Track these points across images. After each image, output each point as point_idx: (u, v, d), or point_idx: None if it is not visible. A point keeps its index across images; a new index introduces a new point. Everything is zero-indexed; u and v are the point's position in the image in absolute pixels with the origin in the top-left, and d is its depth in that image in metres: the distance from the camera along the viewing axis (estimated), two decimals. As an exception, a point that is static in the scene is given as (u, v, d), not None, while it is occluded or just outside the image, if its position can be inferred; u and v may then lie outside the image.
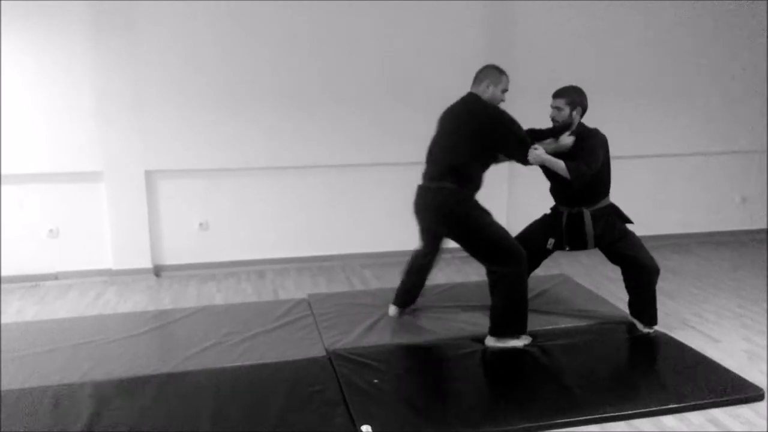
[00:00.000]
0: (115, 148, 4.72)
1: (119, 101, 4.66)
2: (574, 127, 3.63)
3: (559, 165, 3.47)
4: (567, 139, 3.57)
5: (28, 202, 4.71)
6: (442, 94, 5.16)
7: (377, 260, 5.31)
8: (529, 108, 5.38)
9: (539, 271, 5.07)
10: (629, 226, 3.73)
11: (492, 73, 3.59)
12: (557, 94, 3.66)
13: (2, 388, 3.06)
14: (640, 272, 3.67)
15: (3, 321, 4.02)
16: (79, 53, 4.57)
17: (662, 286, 4.58)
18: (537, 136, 3.72)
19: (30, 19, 4.46)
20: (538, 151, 3.45)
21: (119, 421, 2.78)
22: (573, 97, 3.62)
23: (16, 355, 3.44)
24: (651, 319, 3.72)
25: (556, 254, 3.97)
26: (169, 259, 5.03)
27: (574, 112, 3.61)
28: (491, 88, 3.55)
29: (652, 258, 3.68)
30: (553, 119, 3.68)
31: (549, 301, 4.19)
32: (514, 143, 3.49)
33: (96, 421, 2.77)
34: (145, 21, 4.62)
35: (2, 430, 2.72)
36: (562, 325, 3.82)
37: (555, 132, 3.65)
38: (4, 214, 4.67)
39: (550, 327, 3.76)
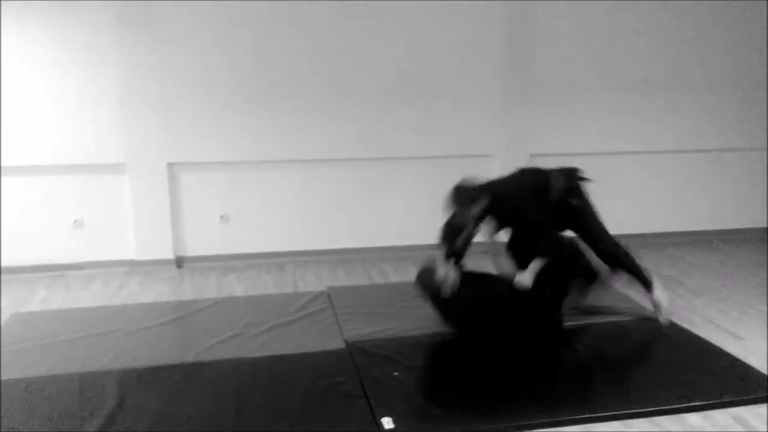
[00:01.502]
0: (139, 141, 4.78)
1: (143, 94, 4.71)
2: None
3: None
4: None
5: (54, 192, 4.79)
6: (463, 89, 5.19)
7: (397, 254, 5.31)
8: (548, 103, 5.39)
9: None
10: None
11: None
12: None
13: (29, 375, 3.12)
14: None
15: (30, 309, 4.11)
16: (104, 47, 4.62)
17: (686, 283, 4.54)
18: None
19: (55, 13, 4.52)
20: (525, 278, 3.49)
21: (143, 409, 2.82)
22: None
23: (42, 343, 3.51)
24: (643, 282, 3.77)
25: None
26: (191, 250, 5.07)
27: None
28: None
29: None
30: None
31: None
32: None
33: (120, 409, 2.81)
34: (168, 15, 4.65)
35: (27, 415, 2.78)
36: (584, 322, 3.78)
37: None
38: (30, 205, 4.75)
39: (571, 323, 3.73)
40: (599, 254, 3.71)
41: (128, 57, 4.65)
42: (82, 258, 4.90)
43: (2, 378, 3.09)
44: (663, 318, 3.71)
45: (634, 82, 5.42)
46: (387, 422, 2.65)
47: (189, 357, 3.34)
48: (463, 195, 3.50)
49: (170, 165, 4.89)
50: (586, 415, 2.77)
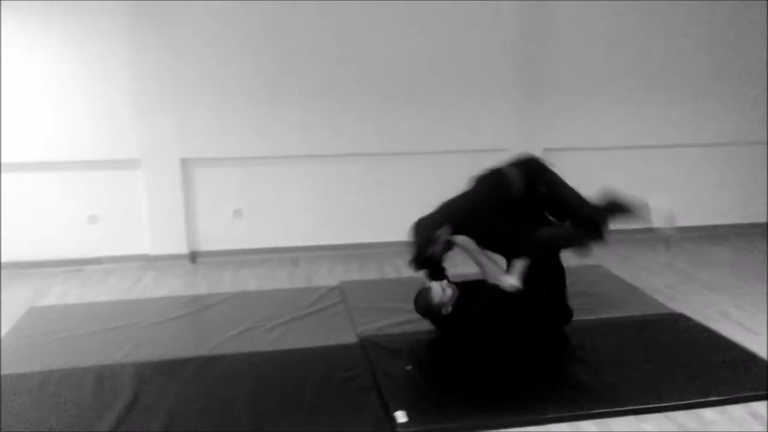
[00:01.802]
0: (153, 137, 4.81)
1: (157, 91, 4.74)
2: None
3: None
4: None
5: (70, 188, 4.84)
6: (479, 84, 5.17)
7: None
8: (562, 98, 5.36)
9: (574, 262, 5.05)
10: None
11: None
12: None
13: (47, 368, 3.16)
14: None
15: (48, 303, 4.17)
16: (117, 44, 4.65)
17: (702, 278, 4.51)
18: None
19: (68, 10, 4.55)
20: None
21: (158, 402, 2.85)
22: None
23: (60, 336, 3.55)
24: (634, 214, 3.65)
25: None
26: (205, 245, 5.11)
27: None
28: None
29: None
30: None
31: (585, 292, 4.14)
32: None
33: (136, 401, 2.85)
34: (182, 12, 4.67)
35: (47, 407, 2.82)
36: (599, 317, 3.77)
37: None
38: (46, 200, 4.80)
39: (586, 318, 3.72)
40: (583, 226, 3.60)
41: (142, 53, 4.68)
42: (98, 253, 4.95)
43: (19, 371, 3.14)
44: (670, 232, 3.59)
45: (647, 77, 5.37)
46: (401, 416, 2.66)
47: (204, 350, 3.37)
48: (424, 231, 3.48)
49: (184, 161, 4.92)
50: (601, 410, 2.76)
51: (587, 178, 3.82)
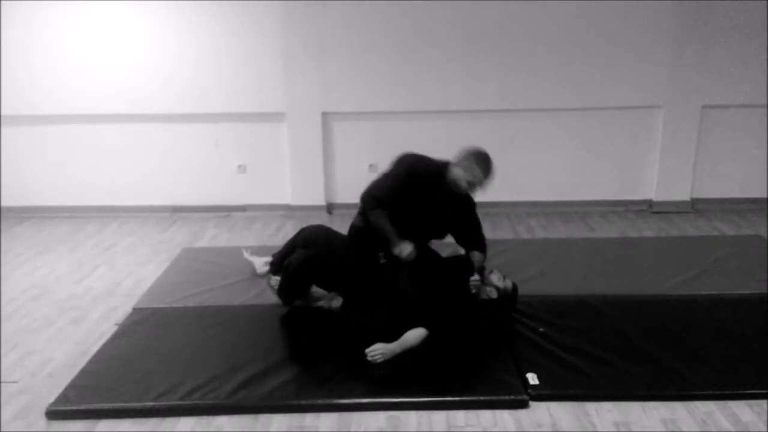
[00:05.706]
0: (298, 91, 4.99)
1: (304, 48, 4.88)
2: None
3: None
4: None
5: (223, 139, 5.18)
6: (627, 32, 4.77)
7: (545, 209, 5.14)
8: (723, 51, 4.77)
9: (730, 230, 4.65)
10: None
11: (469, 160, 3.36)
12: None
13: (201, 304, 3.48)
14: None
15: (202, 245, 4.54)
16: (270, 5, 4.81)
17: None
18: None
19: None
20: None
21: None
22: None
23: (210, 276, 3.83)
24: None
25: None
26: (341, 197, 5.27)
27: None
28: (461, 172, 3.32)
29: None
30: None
31: (734, 263, 3.84)
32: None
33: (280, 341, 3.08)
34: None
35: (202, 337, 3.11)
36: (738, 291, 3.47)
37: None
38: (200, 150, 5.19)
39: (719, 292, 3.47)
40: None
41: (291, 15, 4.81)
42: (244, 201, 5.29)
43: (176, 305, 3.46)
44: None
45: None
46: (532, 378, 2.64)
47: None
48: None
49: (324, 114, 5.07)
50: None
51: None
